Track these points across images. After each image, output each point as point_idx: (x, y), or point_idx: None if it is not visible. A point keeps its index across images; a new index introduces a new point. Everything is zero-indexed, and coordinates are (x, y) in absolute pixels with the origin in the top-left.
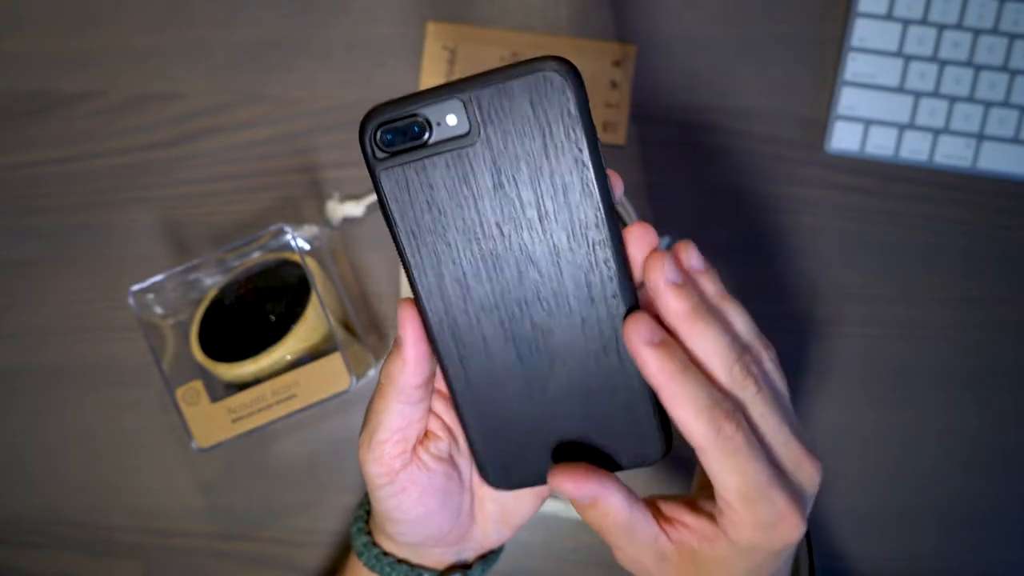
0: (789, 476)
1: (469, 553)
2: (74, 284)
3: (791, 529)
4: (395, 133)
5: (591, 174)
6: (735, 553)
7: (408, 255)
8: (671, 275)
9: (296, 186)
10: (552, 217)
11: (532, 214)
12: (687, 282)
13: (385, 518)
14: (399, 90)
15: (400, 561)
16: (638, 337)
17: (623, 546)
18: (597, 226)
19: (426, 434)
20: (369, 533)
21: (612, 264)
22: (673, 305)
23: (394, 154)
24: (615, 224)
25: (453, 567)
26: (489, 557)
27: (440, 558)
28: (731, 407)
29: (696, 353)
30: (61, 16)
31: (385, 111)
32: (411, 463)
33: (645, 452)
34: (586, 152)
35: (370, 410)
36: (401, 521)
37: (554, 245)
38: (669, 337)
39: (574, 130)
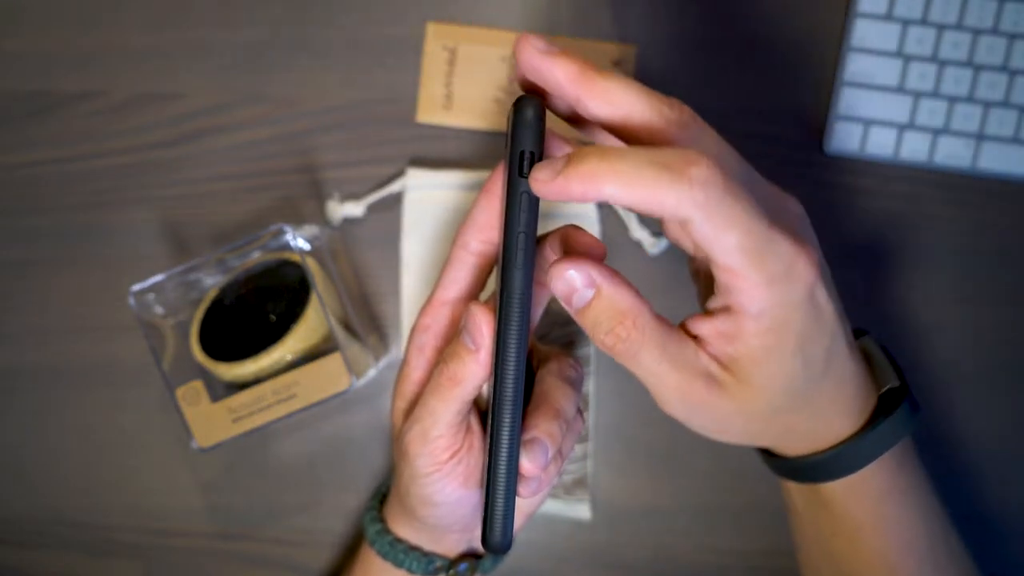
0: (779, 215)
1: (480, 544)
2: (74, 284)
3: (807, 264)
4: None
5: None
6: (769, 334)
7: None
8: (540, 46)
9: (296, 186)
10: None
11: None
12: (570, 51)
13: (422, 502)
14: (399, 90)
15: (413, 548)
16: (542, 181)
17: (663, 374)
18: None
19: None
20: (382, 520)
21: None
22: (559, 73)
23: None
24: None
25: (465, 555)
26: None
27: (454, 545)
28: (692, 154)
29: (613, 118)
30: (61, 16)
31: None
32: (457, 451)
33: (482, 536)
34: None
35: (424, 407)
36: (441, 504)
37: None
38: (573, 151)
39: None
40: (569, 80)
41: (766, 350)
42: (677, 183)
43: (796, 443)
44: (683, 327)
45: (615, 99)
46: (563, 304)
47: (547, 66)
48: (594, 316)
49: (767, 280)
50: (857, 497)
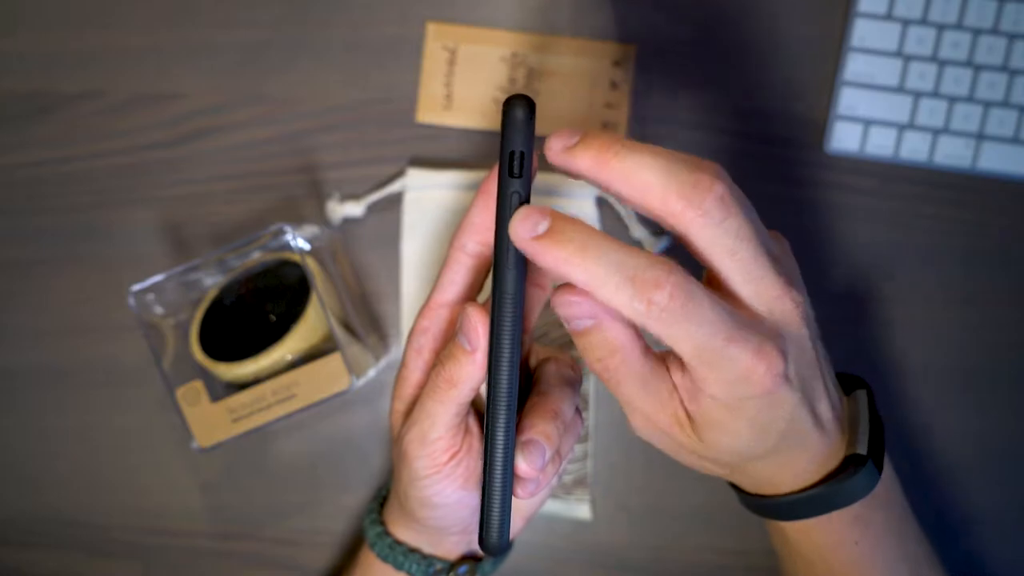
0: (761, 317)
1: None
2: (74, 284)
3: (762, 378)
4: None
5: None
6: (722, 410)
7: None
8: (565, 141)
9: (296, 186)
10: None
11: None
12: (588, 136)
13: (422, 504)
14: (399, 90)
15: (413, 550)
16: (519, 238)
17: (637, 402)
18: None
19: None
20: (382, 523)
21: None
22: (583, 162)
23: None
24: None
25: (465, 558)
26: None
27: (454, 547)
28: (661, 271)
29: (632, 195)
30: (61, 16)
31: None
32: (456, 453)
33: (480, 537)
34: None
35: (422, 409)
36: (440, 506)
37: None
38: (565, 223)
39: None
40: (589, 170)
41: (719, 421)
42: (636, 302)
43: (744, 484)
44: (666, 361)
45: (632, 181)
46: (562, 321)
47: (570, 163)
48: (588, 343)
49: (721, 380)
50: (806, 540)
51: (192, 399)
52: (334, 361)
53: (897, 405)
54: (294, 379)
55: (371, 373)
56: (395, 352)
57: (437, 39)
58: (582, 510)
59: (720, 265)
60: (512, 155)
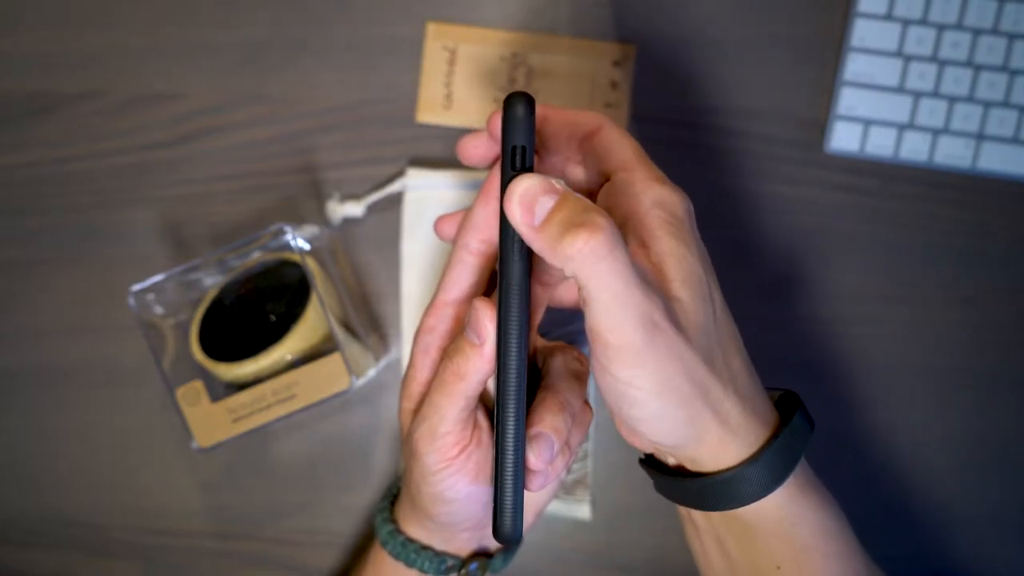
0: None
1: (491, 543)
2: (74, 284)
3: (662, 317)
4: None
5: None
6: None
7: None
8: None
9: (296, 186)
10: None
11: None
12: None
13: (434, 500)
14: (399, 90)
15: (425, 548)
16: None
17: (612, 302)
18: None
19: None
20: (394, 521)
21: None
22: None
23: None
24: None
25: (476, 554)
26: (510, 548)
27: (465, 544)
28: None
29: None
30: (61, 16)
31: None
32: (466, 447)
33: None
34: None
35: (430, 405)
36: (452, 500)
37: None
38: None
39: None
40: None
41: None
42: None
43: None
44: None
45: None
46: (520, 228)
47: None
48: (561, 216)
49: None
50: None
51: (192, 399)
52: (334, 361)
53: (896, 405)
54: (294, 379)
55: (371, 373)
56: (395, 352)
57: (437, 39)
58: (582, 510)
59: None
60: (514, 150)
